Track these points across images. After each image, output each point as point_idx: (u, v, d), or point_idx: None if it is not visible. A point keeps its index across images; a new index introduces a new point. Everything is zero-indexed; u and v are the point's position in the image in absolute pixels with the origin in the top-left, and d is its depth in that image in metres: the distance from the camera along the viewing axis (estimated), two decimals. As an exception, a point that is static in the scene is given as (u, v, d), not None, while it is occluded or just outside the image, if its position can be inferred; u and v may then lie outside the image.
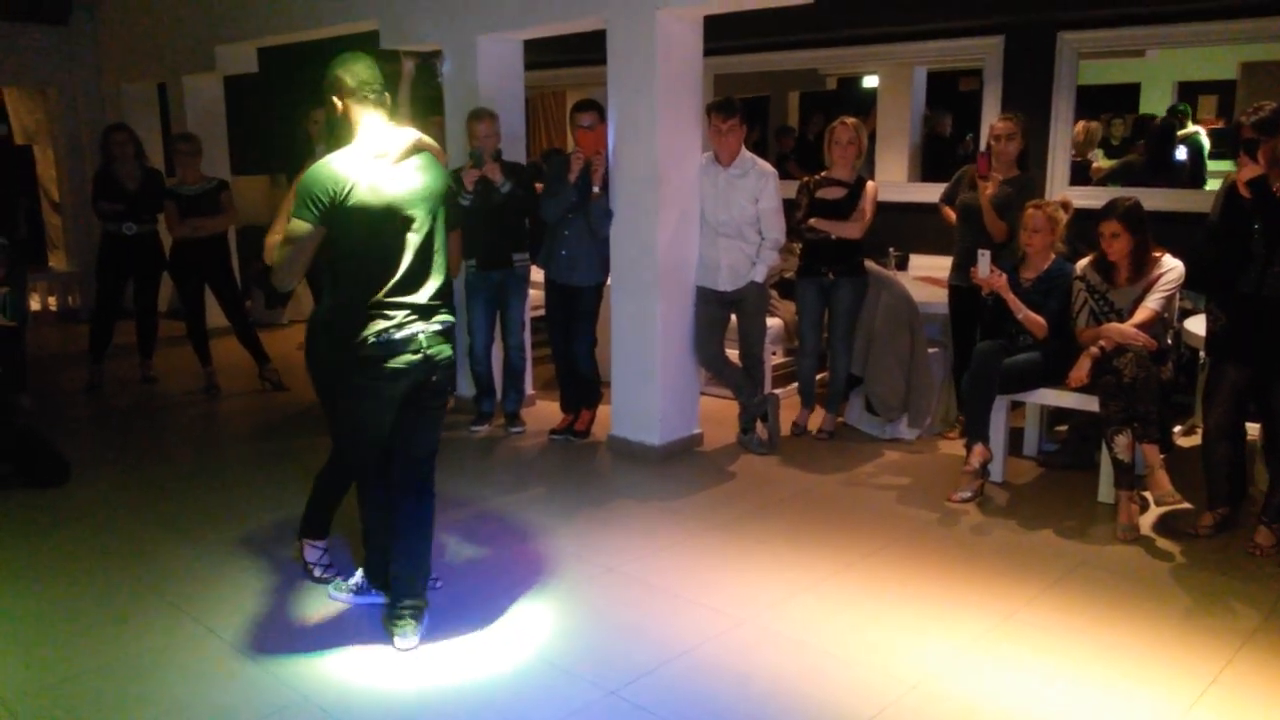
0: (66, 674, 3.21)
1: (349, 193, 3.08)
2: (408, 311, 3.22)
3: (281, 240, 3.18)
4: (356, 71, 3.25)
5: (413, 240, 3.21)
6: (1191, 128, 8.23)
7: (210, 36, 8.01)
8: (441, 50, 6.06)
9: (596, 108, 5.33)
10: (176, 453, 5.68)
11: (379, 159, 3.14)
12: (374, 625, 3.50)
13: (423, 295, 3.26)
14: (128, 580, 3.89)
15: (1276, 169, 3.98)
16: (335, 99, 3.26)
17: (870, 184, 5.38)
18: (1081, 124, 7.58)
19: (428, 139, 3.35)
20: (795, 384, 6.67)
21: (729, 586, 3.79)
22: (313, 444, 5.67)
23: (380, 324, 3.17)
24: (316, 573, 3.80)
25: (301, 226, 3.11)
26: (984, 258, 4.69)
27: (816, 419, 5.69)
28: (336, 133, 3.29)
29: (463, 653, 3.32)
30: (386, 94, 3.28)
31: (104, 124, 7.60)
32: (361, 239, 3.14)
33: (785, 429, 5.63)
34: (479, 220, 5.45)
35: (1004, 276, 4.69)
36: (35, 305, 10.17)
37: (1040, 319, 4.65)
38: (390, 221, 3.16)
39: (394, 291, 3.19)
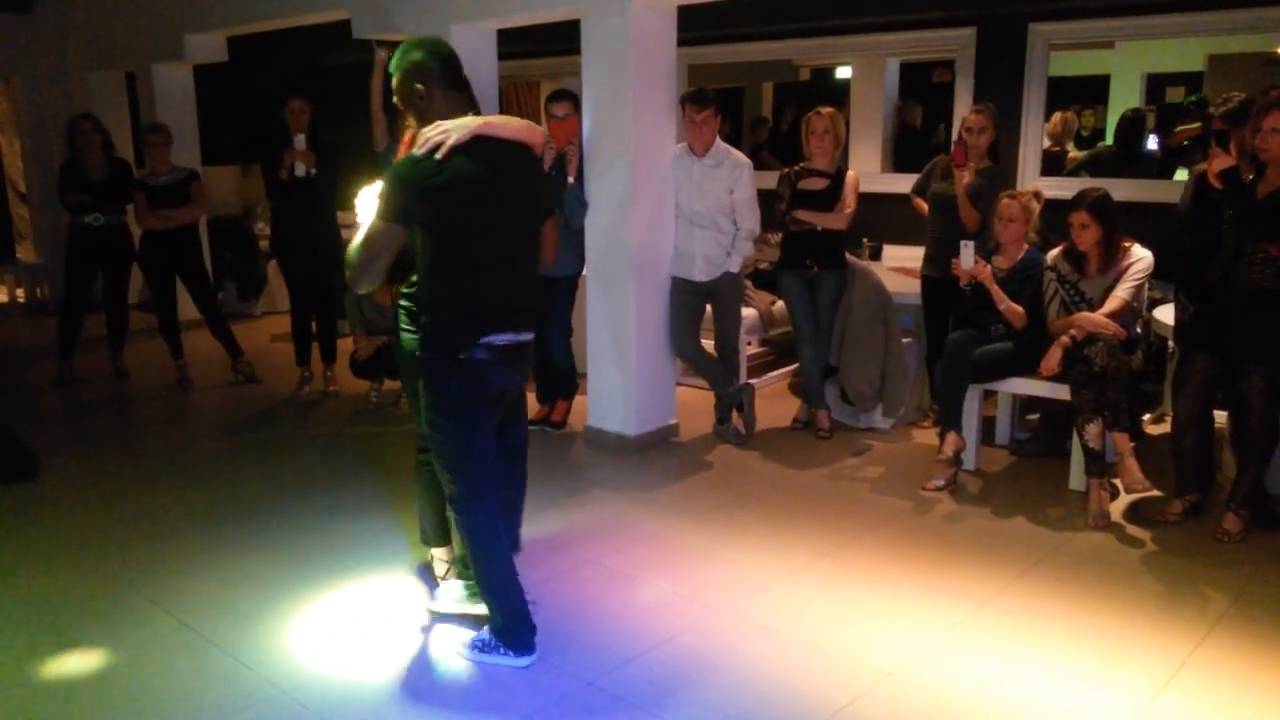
0: (40, 669, 3.18)
1: (433, 189, 2.85)
2: (509, 313, 3.03)
3: (359, 241, 2.95)
4: (443, 55, 3.06)
5: (503, 235, 3.00)
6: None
7: (179, 25, 7.92)
8: (414, 40, 6.02)
9: (571, 98, 5.32)
10: (148, 447, 5.63)
11: (463, 149, 2.87)
12: (351, 618, 3.50)
13: (513, 294, 3.05)
14: (101, 575, 3.85)
15: (1245, 159, 4.03)
16: (420, 85, 3.03)
17: (851, 174, 5.39)
18: (1059, 115, 7.64)
19: (521, 123, 3.09)
20: (772, 374, 6.73)
21: (705, 576, 3.81)
22: (287, 436, 5.65)
23: (483, 325, 2.97)
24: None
25: (380, 226, 2.90)
26: (967, 248, 4.71)
27: (820, 416, 5.56)
28: (420, 122, 3.03)
29: (439, 644, 3.32)
30: (466, 77, 3.12)
31: (71, 114, 7.50)
32: (451, 236, 2.93)
33: (766, 420, 5.64)
34: None
35: (988, 267, 4.72)
36: (2, 298, 10.05)
37: (1019, 309, 4.69)
38: (478, 217, 2.93)
39: (492, 293, 2.99)
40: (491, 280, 2.98)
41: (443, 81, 3.04)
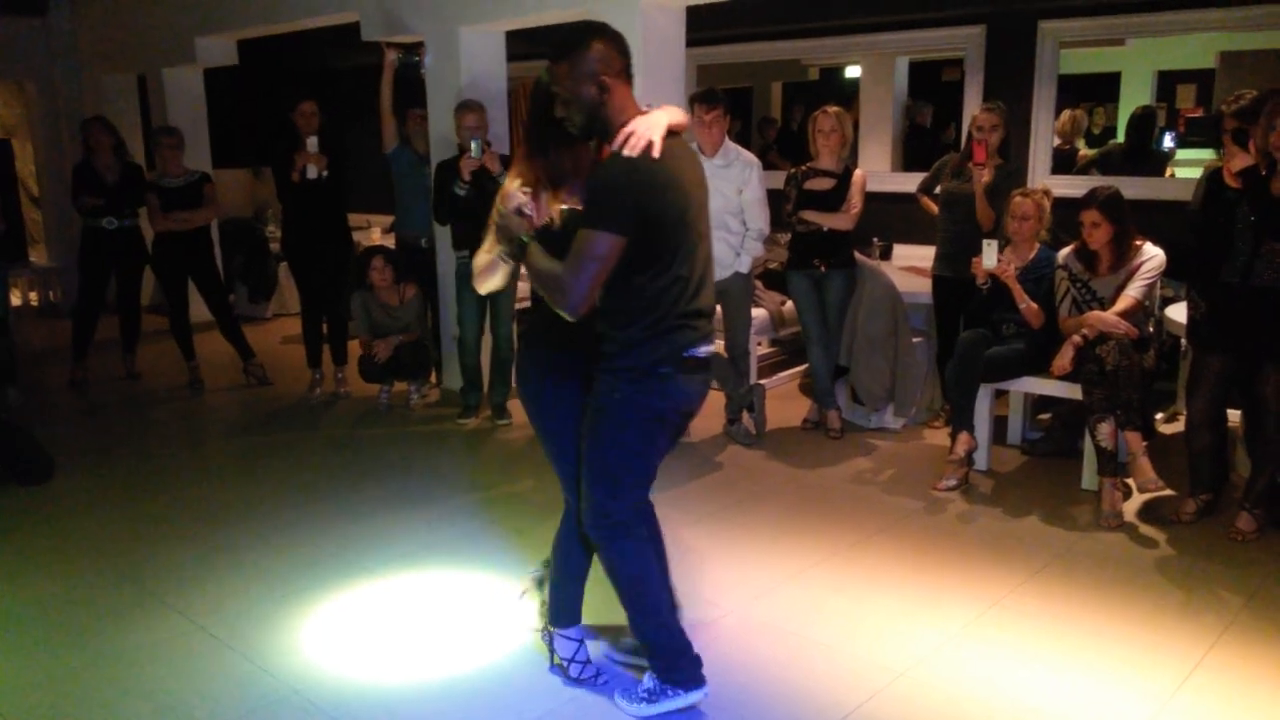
0: (54, 671, 3.20)
1: (655, 193, 2.56)
2: (706, 320, 2.75)
3: (573, 259, 2.55)
4: (623, 42, 2.64)
5: (697, 233, 2.72)
6: None
7: (190, 28, 7.95)
8: (423, 41, 6.04)
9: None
10: (161, 448, 5.65)
11: (660, 148, 2.56)
12: (363, 619, 3.51)
13: (706, 297, 2.77)
14: (114, 576, 3.87)
15: (1263, 157, 3.99)
16: (607, 78, 2.60)
17: (858, 173, 5.37)
18: (1067, 112, 7.62)
19: (675, 109, 2.74)
20: (782, 375, 6.72)
21: (716, 576, 3.81)
22: (299, 438, 5.67)
23: (687, 335, 2.69)
24: (573, 671, 3.08)
25: (599, 238, 2.51)
26: (990, 247, 4.66)
27: (830, 417, 5.55)
28: (594, 122, 2.66)
29: (452, 645, 3.32)
30: None
31: (83, 117, 7.54)
32: (659, 240, 2.60)
33: (776, 420, 5.63)
34: (473, 211, 5.45)
35: (1012, 265, 4.70)
36: (16, 301, 10.10)
37: (1038, 308, 4.68)
38: (686, 219, 2.65)
39: (692, 300, 2.70)
40: (690, 283, 2.69)
41: (625, 74, 2.65)
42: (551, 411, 2.88)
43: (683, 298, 2.67)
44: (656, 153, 2.54)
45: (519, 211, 2.72)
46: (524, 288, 5.85)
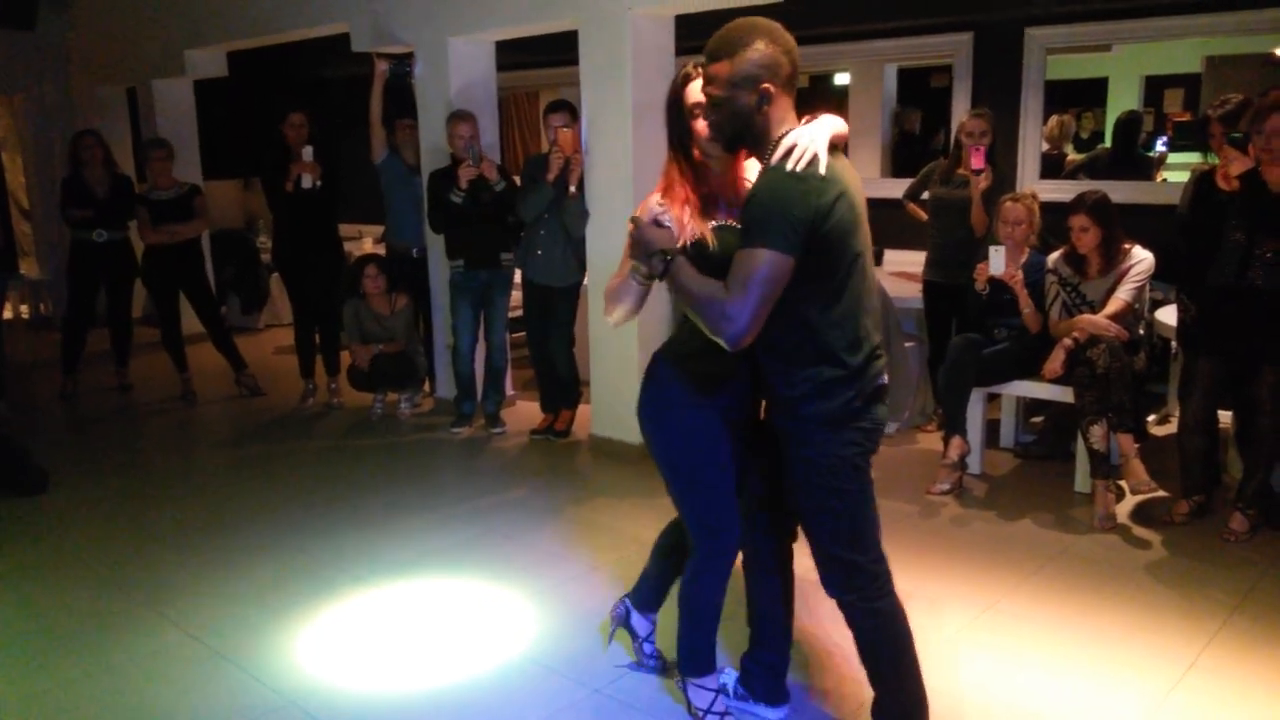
0: (49, 683, 3.18)
1: (825, 210, 2.24)
2: (877, 345, 2.43)
3: (735, 282, 2.24)
4: (793, 50, 2.36)
5: (867, 255, 2.40)
6: None
7: (180, 40, 7.95)
8: (413, 52, 6.05)
9: (568, 108, 5.34)
10: (154, 460, 5.64)
11: (825, 162, 2.28)
12: (358, 629, 3.50)
13: (877, 323, 2.47)
14: (109, 587, 3.86)
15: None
16: (770, 87, 2.32)
17: None
18: (1055, 118, 7.66)
19: (843, 123, 2.46)
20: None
21: (712, 582, 3.80)
22: (292, 448, 5.66)
23: (875, 368, 2.40)
24: (646, 649, 3.20)
25: (763, 257, 2.20)
26: (998, 253, 4.67)
27: None
28: (746, 133, 2.40)
29: (447, 654, 3.32)
30: None
31: (73, 130, 7.53)
32: (833, 263, 2.30)
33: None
34: (468, 219, 5.47)
35: (1021, 272, 4.71)
36: (7, 314, 10.07)
37: (1038, 313, 4.70)
38: (860, 238, 2.35)
39: (874, 331, 2.42)
40: (865, 309, 2.39)
41: (790, 84, 2.37)
42: (689, 442, 2.65)
43: (861, 324, 2.37)
44: (823, 168, 2.25)
45: (657, 223, 2.44)
46: (516, 296, 5.86)
